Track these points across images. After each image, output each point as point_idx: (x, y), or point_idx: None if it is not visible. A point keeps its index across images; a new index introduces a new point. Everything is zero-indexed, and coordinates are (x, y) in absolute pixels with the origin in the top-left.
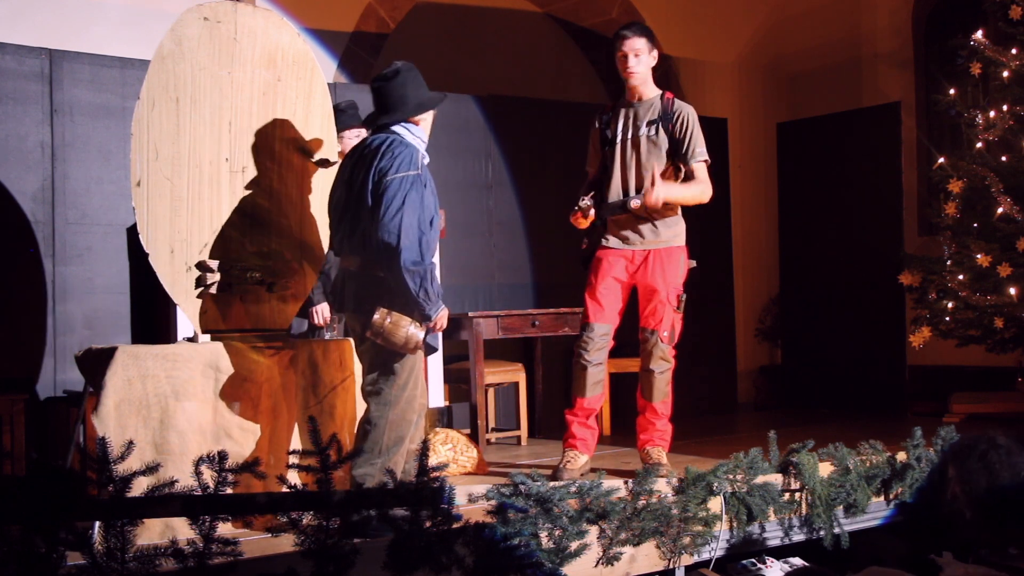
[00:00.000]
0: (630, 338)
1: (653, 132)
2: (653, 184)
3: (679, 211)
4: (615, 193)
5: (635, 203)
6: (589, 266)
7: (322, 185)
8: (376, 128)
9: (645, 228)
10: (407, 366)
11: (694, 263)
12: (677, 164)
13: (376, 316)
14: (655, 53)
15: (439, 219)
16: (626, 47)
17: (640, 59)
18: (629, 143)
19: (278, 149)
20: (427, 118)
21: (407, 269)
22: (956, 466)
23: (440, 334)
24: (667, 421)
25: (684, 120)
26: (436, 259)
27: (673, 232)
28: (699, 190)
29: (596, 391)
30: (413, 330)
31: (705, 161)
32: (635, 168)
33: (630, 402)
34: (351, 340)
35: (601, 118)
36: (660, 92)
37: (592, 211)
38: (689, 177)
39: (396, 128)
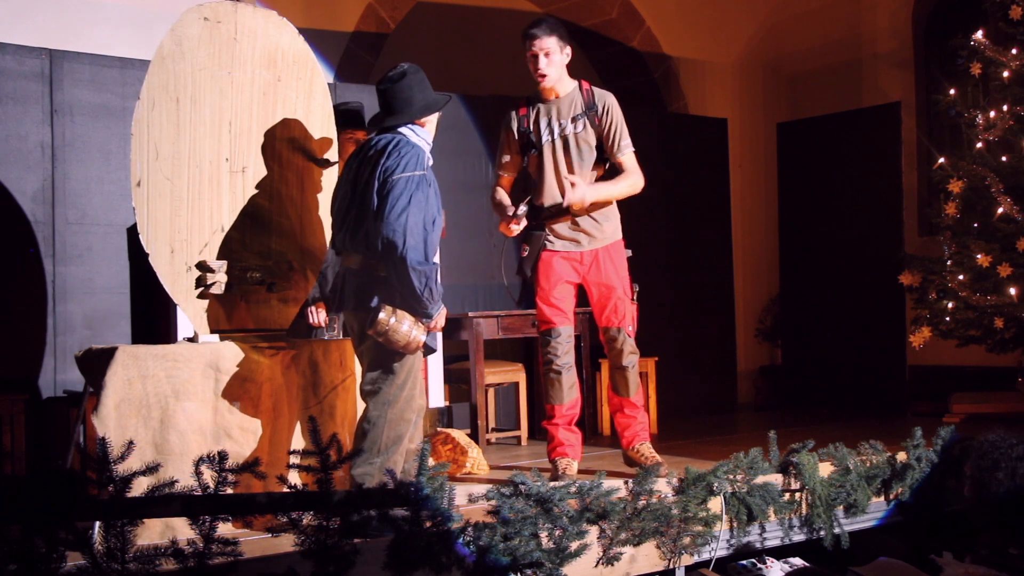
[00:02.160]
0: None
1: (580, 127)
2: (574, 186)
3: (614, 203)
4: (550, 196)
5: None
6: (535, 271)
7: (322, 185)
8: (381, 129)
9: (588, 226)
10: (406, 366)
11: (631, 252)
12: (604, 158)
13: (382, 314)
14: (568, 50)
15: (441, 219)
16: (536, 47)
17: (551, 59)
18: (557, 142)
19: (278, 149)
20: (432, 120)
21: (412, 268)
22: (974, 466)
23: (439, 334)
24: (643, 411)
25: (608, 111)
26: (436, 259)
27: (613, 226)
28: (629, 183)
29: (572, 394)
30: (415, 331)
31: (632, 151)
32: (567, 167)
33: (592, 403)
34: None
35: (519, 120)
36: (576, 83)
37: (524, 218)
38: (617, 170)
39: (402, 129)
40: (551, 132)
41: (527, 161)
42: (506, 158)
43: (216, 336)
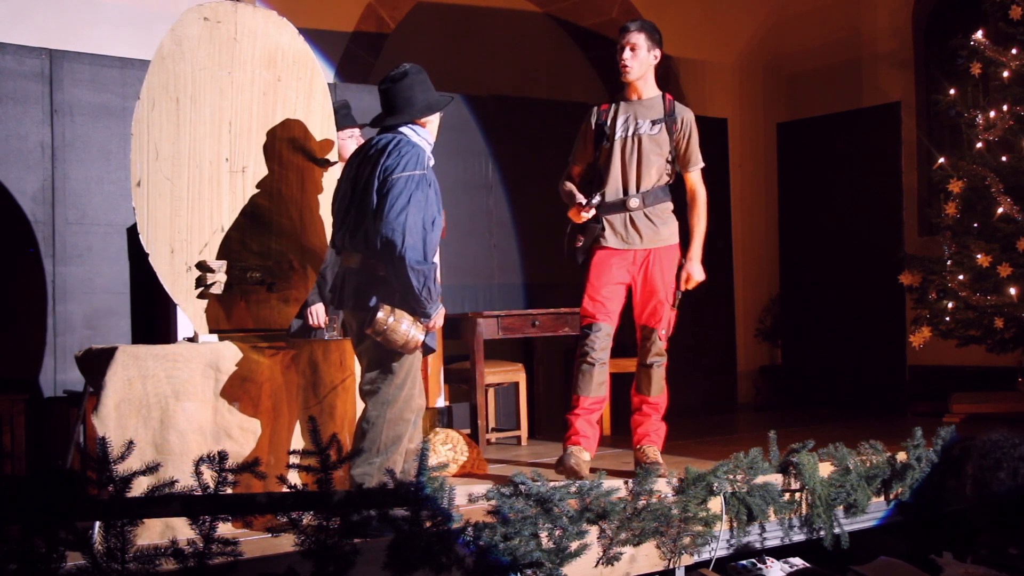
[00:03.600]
0: (628, 339)
1: (656, 131)
2: (688, 279)
3: (672, 208)
4: (613, 191)
5: (634, 203)
6: (587, 265)
7: (322, 185)
8: (383, 129)
9: (644, 227)
10: (405, 365)
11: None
12: (674, 168)
13: (380, 314)
14: (656, 52)
15: (441, 219)
16: (623, 40)
17: (636, 54)
18: (630, 140)
19: (278, 149)
20: (434, 120)
21: (411, 267)
22: (975, 466)
23: (436, 334)
24: (661, 419)
25: (686, 124)
26: (436, 259)
27: (670, 230)
28: (702, 210)
29: (600, 391)
30: (414, 331)
31: (701, 168)
32: (635, 166)
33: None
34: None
35: (599, 114)
36: (661, 93)
37: (592, 205)
38: (682, 182)
39: (403, 129)
40: (626, 129)
41: (599, 154)
42: (580, 148)
43: (216, 336)
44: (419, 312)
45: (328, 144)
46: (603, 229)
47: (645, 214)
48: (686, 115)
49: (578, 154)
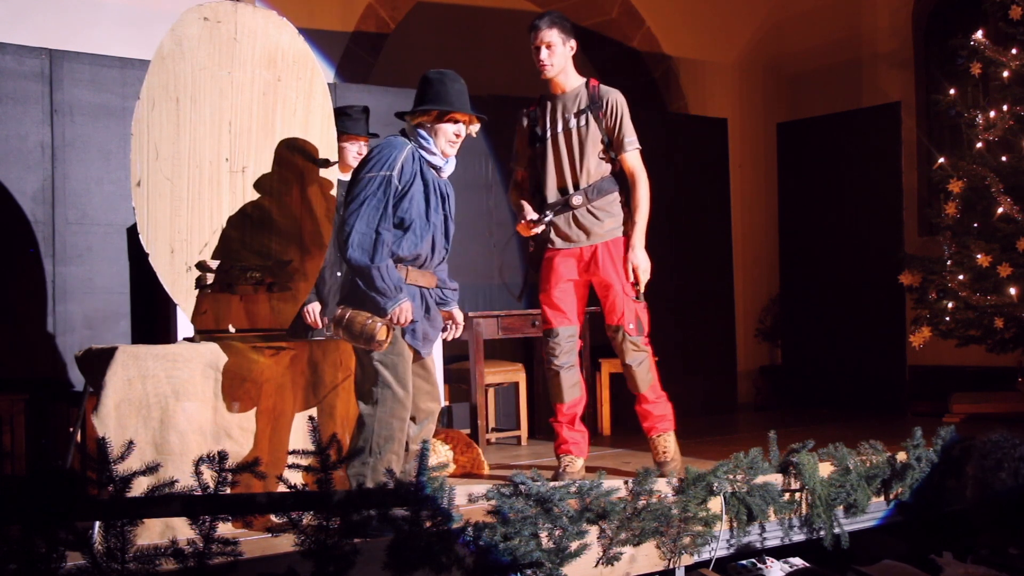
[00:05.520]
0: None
1: (583, 122)
2: (635, 270)
3: (618, 200)
4: (552, 191)
5: (576, 200)
6: (539, 270)
7: (322, 185)
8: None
9: (588, 223)
10: (386, 364)
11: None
12: (611, 154)
13: (338, 311)
14: (572, 43)
15: (437, 217)
16: (537, 39)
17: (553, 51)
18: (560, 136)
19: (278, 149)
20: (443, 127)
21: (354, 267)
22: (976, 466)
23: (439, 333)
24: (664, 402)
25: (613, 107)
26: (433, 256)
27: (614, 222)
28: (641, 193)
29: (574, 394)
30: (369, 324)
31: (638, 148)
32: (569, 162)
33: (630, 401)
34: None
35: (528, 114)
36: (584, 80)
37: (542, 221)
38: (619, 167)
39: (404, 128)
40: (554, 126)
41: (535, 156)
42: (518, 151)
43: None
44: (379, 307)
45: (328, 144)
46: (549, 232)
47: (588, 209)
48: (611, 96)
49: (518, 157)
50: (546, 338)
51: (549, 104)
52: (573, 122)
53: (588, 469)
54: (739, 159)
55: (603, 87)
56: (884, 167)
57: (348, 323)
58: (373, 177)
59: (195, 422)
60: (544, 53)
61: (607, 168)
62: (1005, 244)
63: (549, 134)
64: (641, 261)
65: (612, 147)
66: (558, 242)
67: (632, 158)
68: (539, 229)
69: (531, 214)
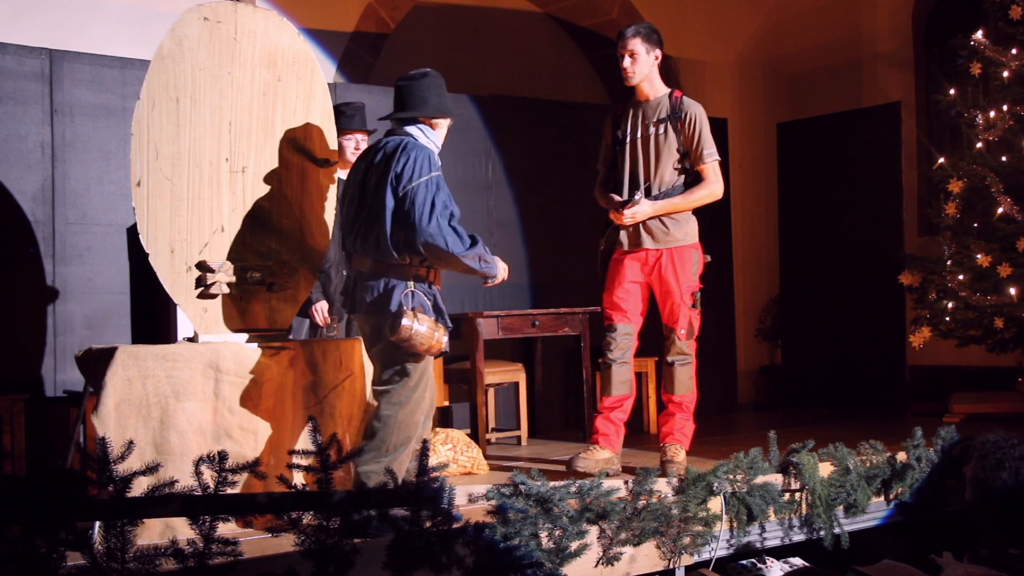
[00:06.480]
0: (643, 339)
1: (662, 131)
2: (630, 206)
3: (689, 211)
4: (624, 193)
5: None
6: (606, 268)
7: (323, 185)
8: (395, 122)
9: (656, 228)
10: (419, 368)
11: (709, 258)
12: (686, 165)
13: (404, 320)
14: (656, 53)
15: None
16: (621, 48)
17: (636, 60)
18: (639, 142)
19: (278, 149)
20: (443, 125)
21: (463, 257)
22: (977, 466)
23: (447, 339)
24: (688, 417)
25: (693, 120)
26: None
27: (684, 231)
28: (703, 194)
29: (622, 389)
30: (437, 334)
31: (716, 160)
32: (643, 167)
33: (638, 401)
34: (352, 340)
35: (614, 117)
36: (668, 91)
37: (634, 201)
38: (698, 178)
39: (411, 130)
40: (634, 131)
41: (615, 158)
42: (603, 153)
43: (216, 336)
44: (488, 277)
45: (328, 144)
46: (617, 232)
47: (660, 218)
48: (691, 108)
49: (602, 159)
50: (604, 333)
51: (632, 110)
52: (652, 130)
53: (625, 469)
54: (739, 159)
55: (686, 99)
56: (884, 167)
57: (416, 332)
58: (429, 180)
59: (195, 422)
60: (627, 61)
61: (680, 179)
62: (1005, 244)
63: (628, 139)
64: (640, 209)
65: (690, 158)
66: (624, 243)
67: (710, 169)
68: (633, 210)
69: (617, 198)
